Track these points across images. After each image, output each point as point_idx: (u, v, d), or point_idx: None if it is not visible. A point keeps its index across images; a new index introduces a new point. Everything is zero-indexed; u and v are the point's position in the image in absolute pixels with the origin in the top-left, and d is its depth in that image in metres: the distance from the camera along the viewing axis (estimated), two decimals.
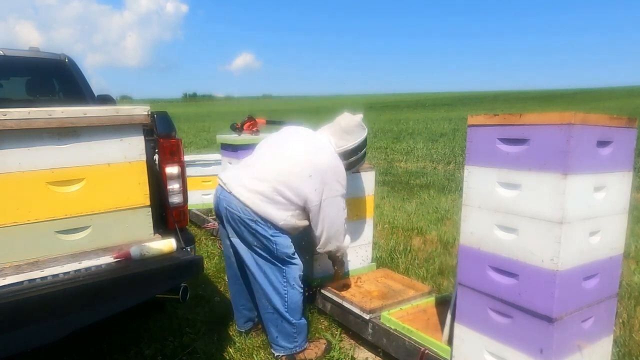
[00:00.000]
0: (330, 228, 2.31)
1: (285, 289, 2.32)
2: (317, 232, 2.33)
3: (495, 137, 1.75)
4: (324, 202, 2.24)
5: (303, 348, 2.41)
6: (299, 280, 2.36)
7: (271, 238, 2.23)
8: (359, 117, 2.43)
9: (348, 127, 2.38)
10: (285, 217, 2.24)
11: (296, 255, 2.37)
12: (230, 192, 2.25)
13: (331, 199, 2.25)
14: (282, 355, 2.38)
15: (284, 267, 2.31)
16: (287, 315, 2.34)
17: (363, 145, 2.45)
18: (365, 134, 2.45)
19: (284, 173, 2.22)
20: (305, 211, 2.28)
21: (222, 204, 2.30)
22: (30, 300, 1.54)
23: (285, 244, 2.28)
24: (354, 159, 2.44)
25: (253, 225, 2.22)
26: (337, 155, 2.35)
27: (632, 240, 4.16)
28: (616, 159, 1.75)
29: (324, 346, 2.47)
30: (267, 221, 2.22)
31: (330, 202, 2.25)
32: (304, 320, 2.42)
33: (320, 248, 2.41)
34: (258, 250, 2.28)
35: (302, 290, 2.38)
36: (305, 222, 2.34)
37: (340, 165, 2.31)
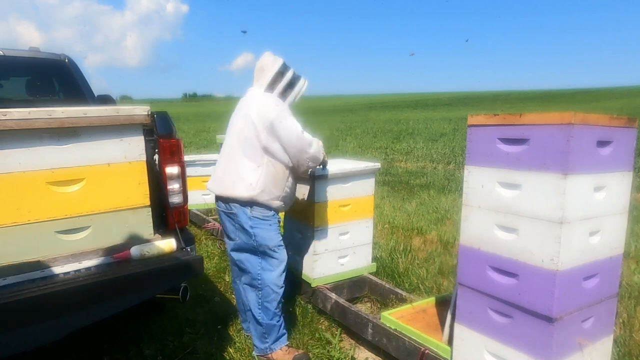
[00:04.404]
0: (291, 140, 2.25)
1: (260, 285, 2.33)
2: (287, 154, 2.29)
3: (495, 137, 1.75)
4: (273, 123, 2.22)
5: (274, 350, 2.39)
6: (277, 280, 2.35)
7: (250, 230, 2.27)
8: (267, 53, 2.43)
9: (260, 67, 2.40)
10: (258, 176, 2.23)
11: (279, 250, 2.35)
12: (215, 194, 2.39)
13: (275, 118, 2.22)
14: (257, 355, 2.42)
15: (262, 262, 2.33)
16: (257, 312, 2.35)
17: (283, 70, 2.39)
18: (280, 61, 2.41)
19: (237, 143, 2.29)
20: (270, 153, 2.26)
21: (217, 207, 2.43)
22: (30, 300, 1.54)
23: (264, 236, 2.29)
24: (282, 84, 2.37)
25: (234, 214, 2.29)
26: (266, 92, 2.35)
27: (632, 240, 4.16)
28: (616, 159, 1.75)
29: (295, 354, 2.40)
30: (246, 203, 2.25)
31: (277, 120, 2.22)
32: (274, 322, 2.37)
33: (300, 169, 2.38)
34: (242, 244, 2.33)
35: (278, 291, 2.35)
36: (281, 167, 2.30)
37: (266, 95, 2.33)
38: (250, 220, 2.26)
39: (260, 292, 2.34)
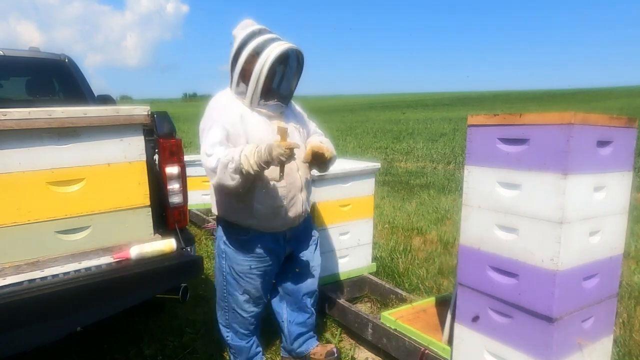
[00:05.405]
0: (202, 160, 1.88)
1: (226, 307, 2.14)
2: None
3: (495, 137, 1.75)
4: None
5: None
6: (244, 304, 2.09)
7: (221, 245, 2.07)
8: (237, 26, 1.89)
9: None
10: (219, 193, 2.01)
11: (247, 279, 2.04)
12: None
13: (200, 131, 1.92)
14: None
15: (227, 286, 2.09)
16: (224, 331, 2.19)
17: (242, 45, 1.81)
18: (242, 33, 1.83)
19: None
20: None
21: None
22: (30, 300, 1.54)
23: (232, 257, 2.03)
24: (238, 69, 1.85)
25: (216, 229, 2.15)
26: (226, 91, 1.97)
27: (632, 240, 4.16)
28: (616, 159, 1.75)
29: None
30: (220, 221, 2.08)
31: (200, 133, 1.92)
32: (244, 343, 2.17)
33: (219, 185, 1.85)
34: (216, 260, 2.16)
35: (246, 316, 2.11)
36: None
37: (211, 100, 1.96)
38: (225, 235, 2.05)
39: (227, 314, 2.13)
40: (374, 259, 3.42)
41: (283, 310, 2.31)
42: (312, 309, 2.32)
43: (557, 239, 1.58)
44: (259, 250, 2.02)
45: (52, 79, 3.82)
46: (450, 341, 2.07)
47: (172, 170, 2.19)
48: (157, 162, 2.22)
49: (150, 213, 2.03)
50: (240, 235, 2.01)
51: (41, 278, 1.66)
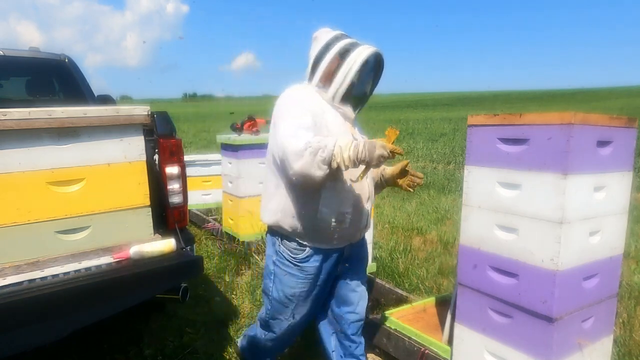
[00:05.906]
0: (278, 147, 1.66)
1: (265, 326, 1.98)
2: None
3: (495, 137, 1.75)
4: (274, 124, 1.76)
5: None
6: (286, 334, 1.93)
7: (270, 266, 1.87)
8: (317, 32, 1.86)
9: (310, 52, 1.86)
10: (280, 195, 1.77)
11: (298, 302, 1.85)
12: None
13: (274, 118, 1.76)
14: None
15: (277, 310, 1.90)
16: (241, 340, 2.11)
17: (326, 46, 1.78)
18: (326, 36, 1.81)
19: (267, 158, 1.89)
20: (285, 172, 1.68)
21: None
22: (30, 300, 1.54)
23: (284, 281, 1.82)
24: (323, 66, 1.78)
25: (267, 243, 1.94)
26: (303, 85, 1.87)
27: (632, 240, 4.16)
28: (616, 159, 1.75)
29: None
30: (273, 232, 1.86)
31: (275, 119, 1.76)
32: (256, 350, 2.07)
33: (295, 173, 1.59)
34: (264, 279, 1.96)
35: (265, 336, 1.98)
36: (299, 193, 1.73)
37: (286, 91, 1.82)
38: (276, 254, 1.83)
39: (256, 339, 2.02)
40: (374, 259, 3.42)
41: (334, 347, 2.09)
42: (360, 338, 2.10)
43: (557, 239, 1.58)
44: (313, 270, 1.81)
45: (52, 79, 3.82)
46: (450, 341, 2.07)
47: (172, 170, 2.19)
48: (157, 162, 2.22)
49: (150, 213, 2.03)
50: (296, 253, 1.79)
51: (41, 278, 1.66)
